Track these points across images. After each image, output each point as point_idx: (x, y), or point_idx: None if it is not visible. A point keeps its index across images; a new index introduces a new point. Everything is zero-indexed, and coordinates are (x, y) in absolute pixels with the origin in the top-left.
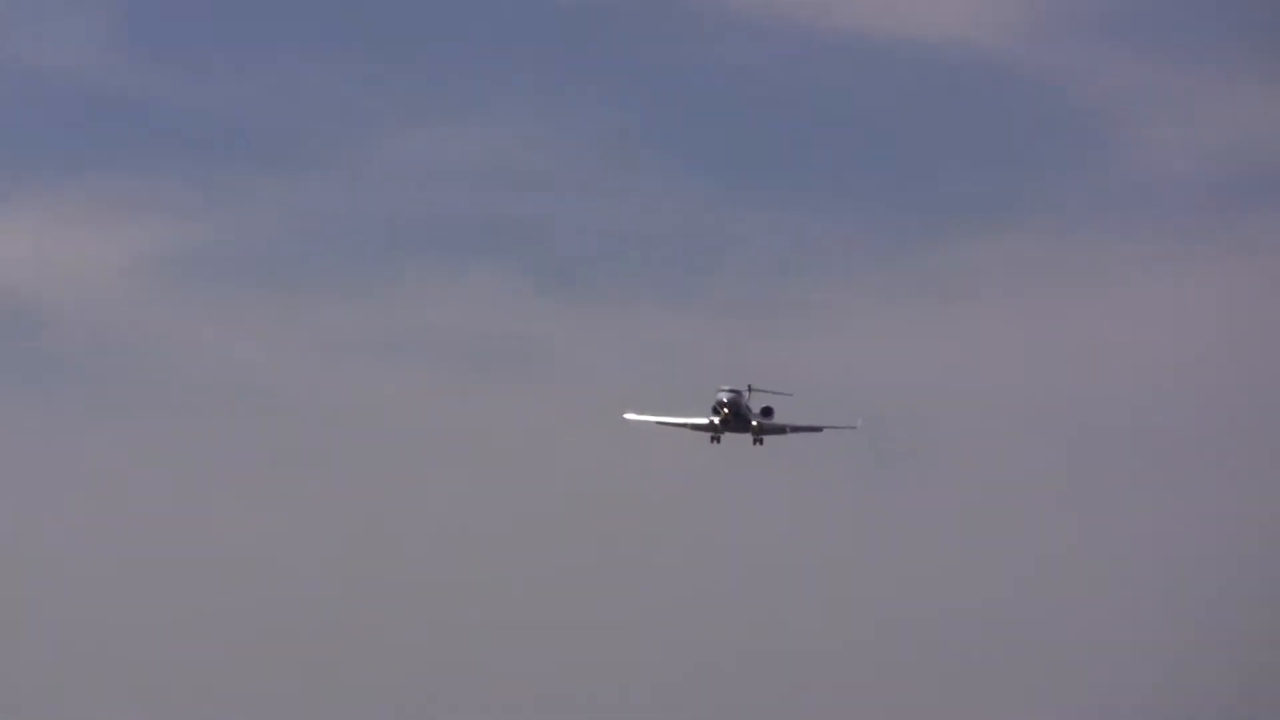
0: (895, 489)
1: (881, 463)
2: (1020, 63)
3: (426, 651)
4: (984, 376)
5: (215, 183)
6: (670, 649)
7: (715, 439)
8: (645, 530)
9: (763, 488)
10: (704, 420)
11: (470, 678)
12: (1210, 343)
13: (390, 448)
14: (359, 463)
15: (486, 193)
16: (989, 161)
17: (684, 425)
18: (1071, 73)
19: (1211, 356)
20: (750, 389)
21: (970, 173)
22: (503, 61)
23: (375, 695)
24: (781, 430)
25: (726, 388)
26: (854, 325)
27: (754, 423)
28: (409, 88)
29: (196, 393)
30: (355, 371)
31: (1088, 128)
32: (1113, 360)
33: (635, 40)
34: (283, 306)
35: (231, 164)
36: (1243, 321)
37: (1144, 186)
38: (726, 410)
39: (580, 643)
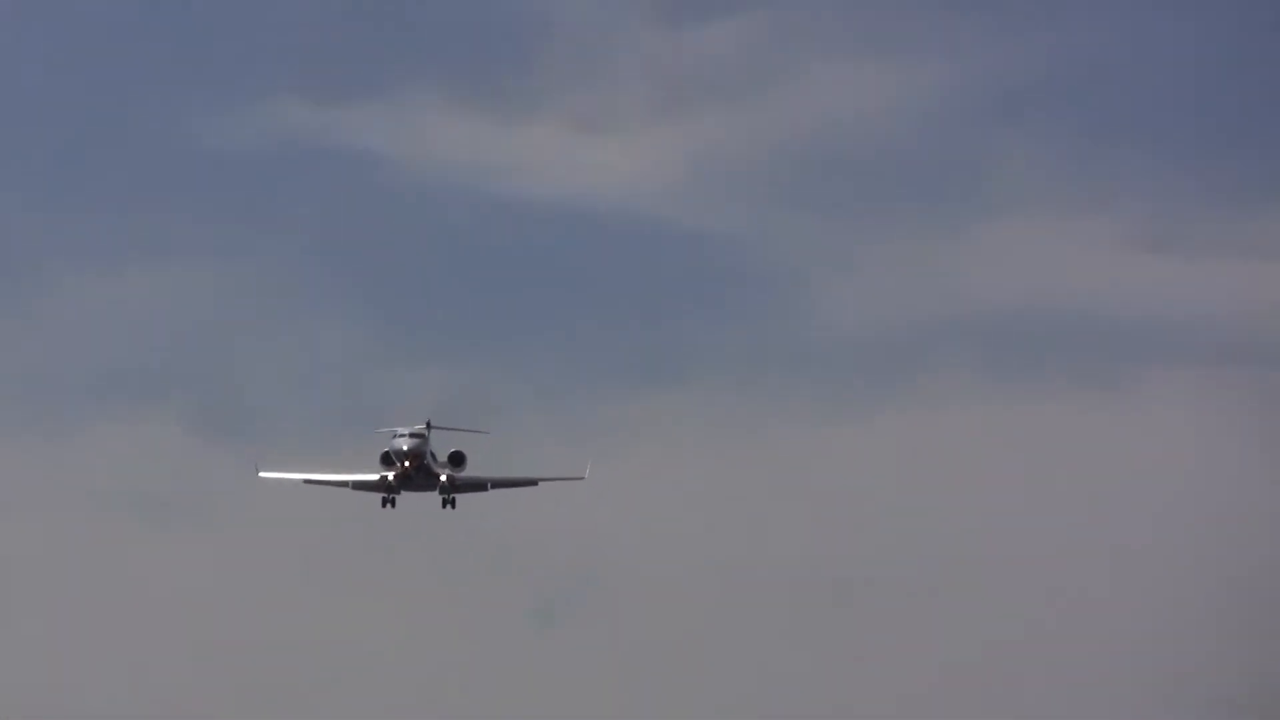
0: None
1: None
2: (683, 225)
3: None
4: (646, 526)
5: None
6: None
7: (389, 501)
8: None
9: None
10: (373, 476)
11: None
12: (877, 491)
13: (53, 599)
14: (22, 618)
15: (158, 340)
16: (654, 320)
17: (343, 484)
18: (738, 235)
19: (881, 505)
20: (430, 427)
21: (635, 331)
22: (180, 207)
23: None
24: (481, 486)
25: (405, 431)
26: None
27: (442, 476)
28: (82, 232)
29: None
30: (18, 525)
31: (752, 287)
32: (783, 511)
33: (308, 191)
34: None
35: None
36: (910, 470)
37: (811, 344)
38: (407, 463)
39: None
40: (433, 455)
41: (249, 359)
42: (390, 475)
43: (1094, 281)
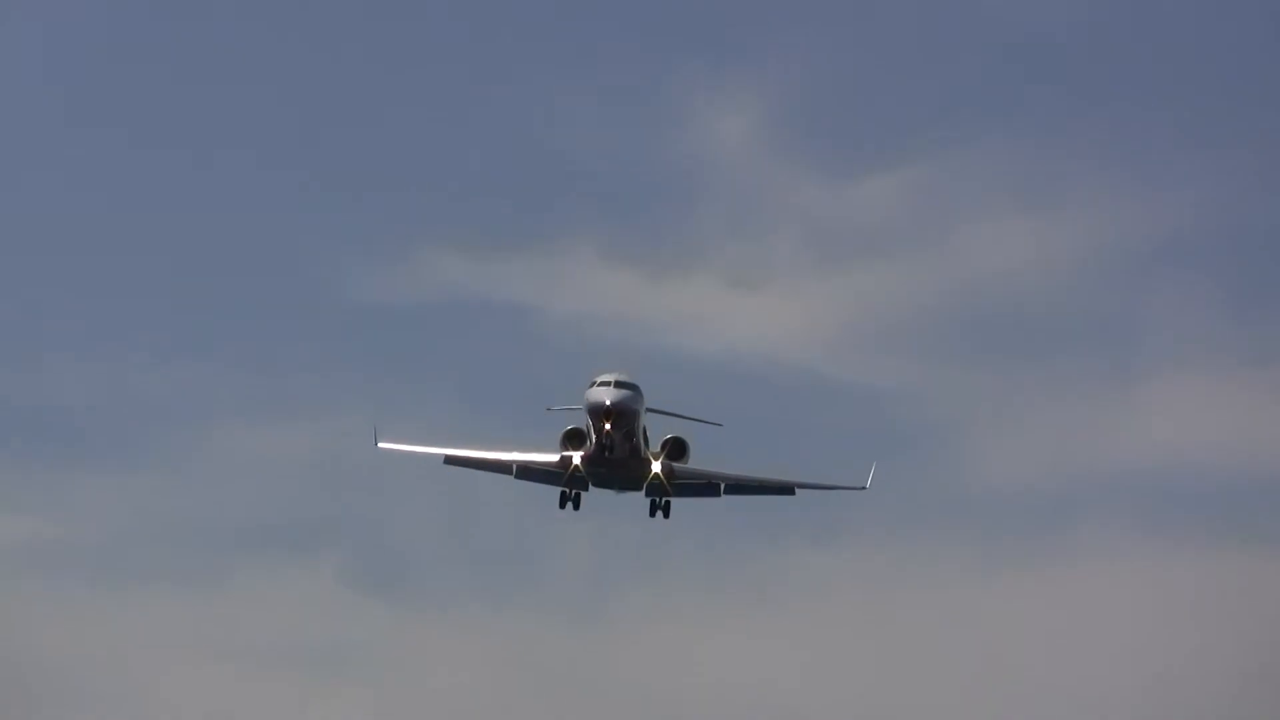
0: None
1: None
2: (839, 380)
3: None
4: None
5: (40, 478)
6: None
7: (570, 498)
8: None
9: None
10: (551, 456)
11: None
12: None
13: None
14: None
15: (315, 490)
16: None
17: (505, 466)
18: (893, 390)
19: (1042, 665)
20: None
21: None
22: (334, 360)
23: None
24: (711, 487)
25: (609, 378)
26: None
27: (655, 466)
28: (237, 387)
29: (16, 687)
30: (187, 672)
31: (907, 442)
32: (938, 668)
33: (462, 343)
34: (110, 605)
35: (56, 459)
36: (1071, 628)
37: (967, 499)
38: (608, 424)
39: None
40: (645, 433)
41: (406, 510)
42: (576, 457)
43: (1254, 436)
